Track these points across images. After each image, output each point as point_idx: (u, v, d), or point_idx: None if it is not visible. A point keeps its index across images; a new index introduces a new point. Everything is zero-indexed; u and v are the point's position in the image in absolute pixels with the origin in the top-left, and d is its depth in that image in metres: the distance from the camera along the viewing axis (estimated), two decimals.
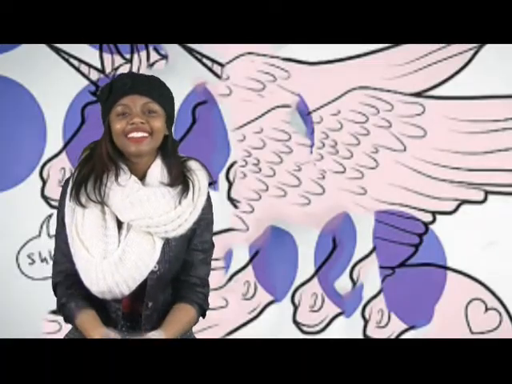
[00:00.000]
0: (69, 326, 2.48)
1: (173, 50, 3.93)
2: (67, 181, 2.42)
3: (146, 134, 2.33)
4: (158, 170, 2.38)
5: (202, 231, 2.42)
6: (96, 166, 2.36)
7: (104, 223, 2.35)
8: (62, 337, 2.55)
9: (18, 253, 3.94)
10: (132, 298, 2.39)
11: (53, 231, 3.56)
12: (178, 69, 3.93)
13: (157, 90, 2.36)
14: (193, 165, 2.42)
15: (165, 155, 2.40)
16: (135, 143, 2.33)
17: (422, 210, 3.89)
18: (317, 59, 3.89)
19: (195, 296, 2.43)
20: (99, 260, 2.32)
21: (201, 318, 2.49)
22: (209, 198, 2.43)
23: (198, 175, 2.40)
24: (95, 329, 2.33)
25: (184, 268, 2.44)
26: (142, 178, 2.38)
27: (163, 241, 2.37)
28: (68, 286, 2.41)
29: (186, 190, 2.37)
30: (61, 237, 2.40)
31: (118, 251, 2.33)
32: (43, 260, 3.93)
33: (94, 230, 2.34)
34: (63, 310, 2.41)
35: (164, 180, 2.38)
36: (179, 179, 2.38)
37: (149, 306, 2.40)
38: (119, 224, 2.36)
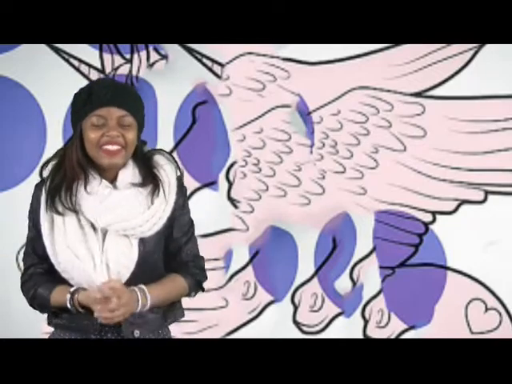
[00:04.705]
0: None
1: (173, 49, 3.92)
2: (37, 188, 2.44)
3: (119, 148, 2.35)
4: (129, 171, 2.39)
5: (178, 219, 2.43)
6: (67, 174, 2.39)
7: (81, 226, 2.36)
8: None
9: (18, 253, 3.93)
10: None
11: None
12: (178, 69, 3.93)
13: (133, 103, 2.38)
14: (159, 159, 2.44)
15: (135, 160, 2.41)
16: (109, 156, 2.35)
17: (422, 210, 3.89)
18: (317, 59, 3.89)
19: (187, 269, 2.45)
20: (89, 265, 2.33)
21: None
22: (179, 183, 2.43)
23: (166, 169, 2.42)
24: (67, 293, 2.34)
25: (172, 254, 2.45)
26: (113, 179, 2.40)
27: (138, 240, 2.38)
28: (33, 282, 2.46)
29: (156, 188, 2.38)
30: (32, 241, 2.44)
31: (102, 257, 2.34)
32: None
33: (75, 235, 2.36)
34: (35, 299, 2.43)
35: (135, 181, 2.39)
36: (149, 178, 2.39)
37: None
38: (93, 227, 2.37)
